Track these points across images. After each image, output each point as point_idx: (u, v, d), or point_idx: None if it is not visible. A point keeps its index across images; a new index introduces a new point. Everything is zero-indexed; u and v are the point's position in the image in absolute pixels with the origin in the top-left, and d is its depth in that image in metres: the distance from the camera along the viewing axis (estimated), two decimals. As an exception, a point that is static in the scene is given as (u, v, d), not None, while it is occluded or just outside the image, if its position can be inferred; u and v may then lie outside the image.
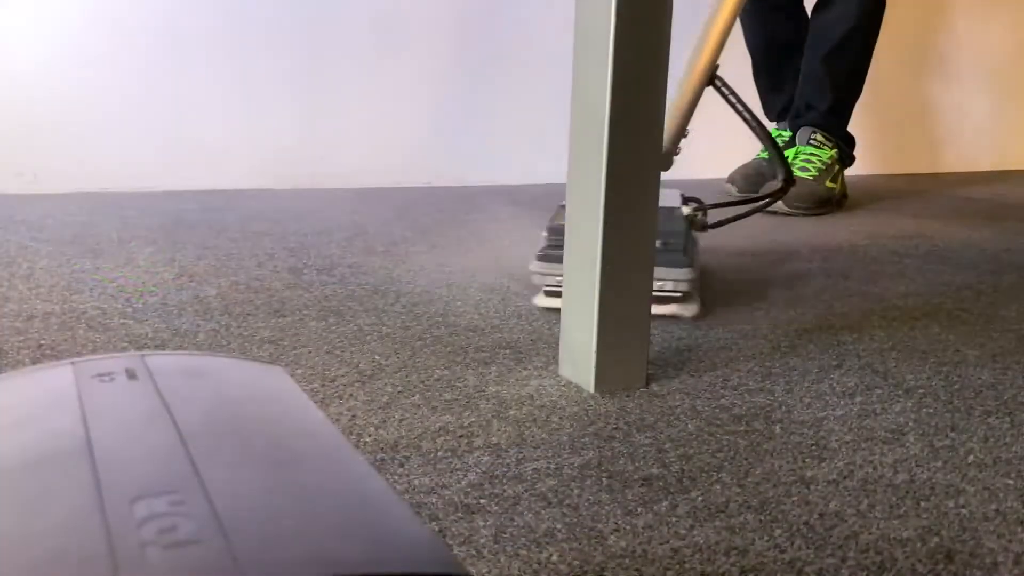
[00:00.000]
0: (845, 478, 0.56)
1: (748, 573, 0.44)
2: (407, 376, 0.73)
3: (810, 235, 1.43)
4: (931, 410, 0.69)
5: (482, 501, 0.53)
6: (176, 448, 0.25)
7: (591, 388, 0.70)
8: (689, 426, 0.64)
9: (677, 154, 1.06)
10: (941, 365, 0.80)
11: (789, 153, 1.77)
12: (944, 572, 0.45)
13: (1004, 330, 0.91)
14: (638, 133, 0.67)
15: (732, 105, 1.05)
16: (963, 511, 0.52)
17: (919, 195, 1.96)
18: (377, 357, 0.78)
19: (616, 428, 0.64)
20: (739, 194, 1.73)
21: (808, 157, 1.73)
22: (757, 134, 1.06)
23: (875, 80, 1.88)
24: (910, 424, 0.66)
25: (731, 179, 1.83)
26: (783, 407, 0.68)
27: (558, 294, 0.79)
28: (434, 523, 0.50)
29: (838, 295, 1.04)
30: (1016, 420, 0.67)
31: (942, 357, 0.82)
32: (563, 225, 0.73)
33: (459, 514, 0.51)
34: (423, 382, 0.72)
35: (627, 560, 0.45)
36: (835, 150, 1.77)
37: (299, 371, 0.74)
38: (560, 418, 0.65)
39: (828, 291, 1.06)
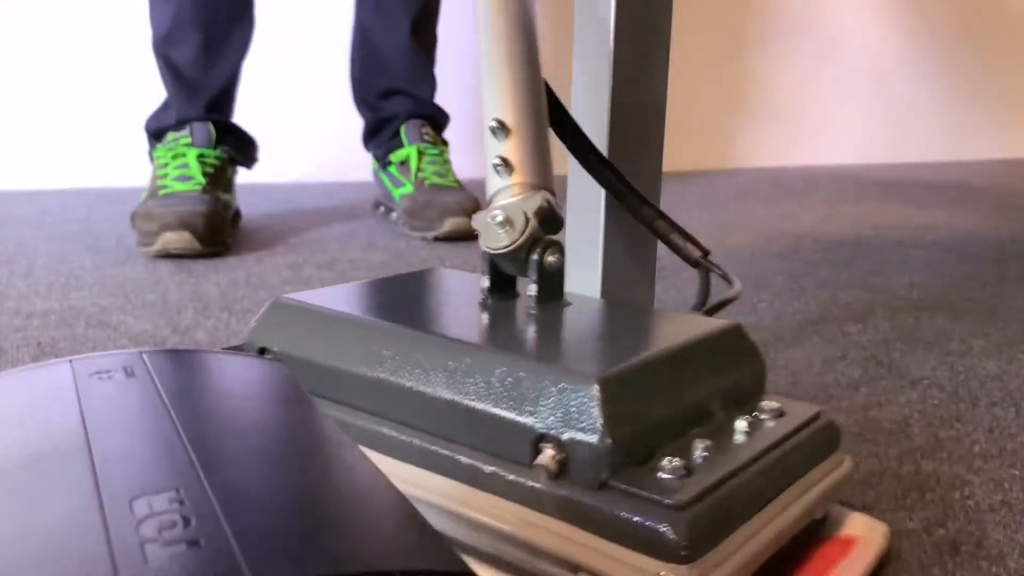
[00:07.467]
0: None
1: (754, 566, 0.44)
2: (409, 370, 0.73)
3: (814, 226, 1.43)
4: (936, 401, 0.68)
5: (485, 495, 0.52)
6: (175, 445, 0.25)
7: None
8: (693, 419, 0.64)
9: None
10: (946, 356, 0.79)
11: (400, 157, 1.38)
12: (950, 563, 0.45)
13: (1010, 320, 0.91)
14: (639, 135, 0.67)
15: None
16: (969, 502, 0.52)
17: (924, 185, 1.95)
18: (379, 352, 0.77)
19: (619, 421, 0.63)
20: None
21: (435, 159, 1.38)
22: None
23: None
24: (915, 415, 0.65)
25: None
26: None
27: None
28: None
29: (842, 286, 1.04)
30: (1022, 410, 0.67)
31: (947, 348, 0.82)
32: None
33: (462, 509, 0.51)
34: (425, 376, 0.72)
35: (632, 554, 0.45)
36: (447, 147, 1.41)
37: (301, 366, 0.74)
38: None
39: (832, 282, 1.05)
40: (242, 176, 1.34)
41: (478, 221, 0.48)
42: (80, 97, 1.68)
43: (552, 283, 0.48)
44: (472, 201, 1.29)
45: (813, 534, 0.44)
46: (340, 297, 0.48)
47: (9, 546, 0.20)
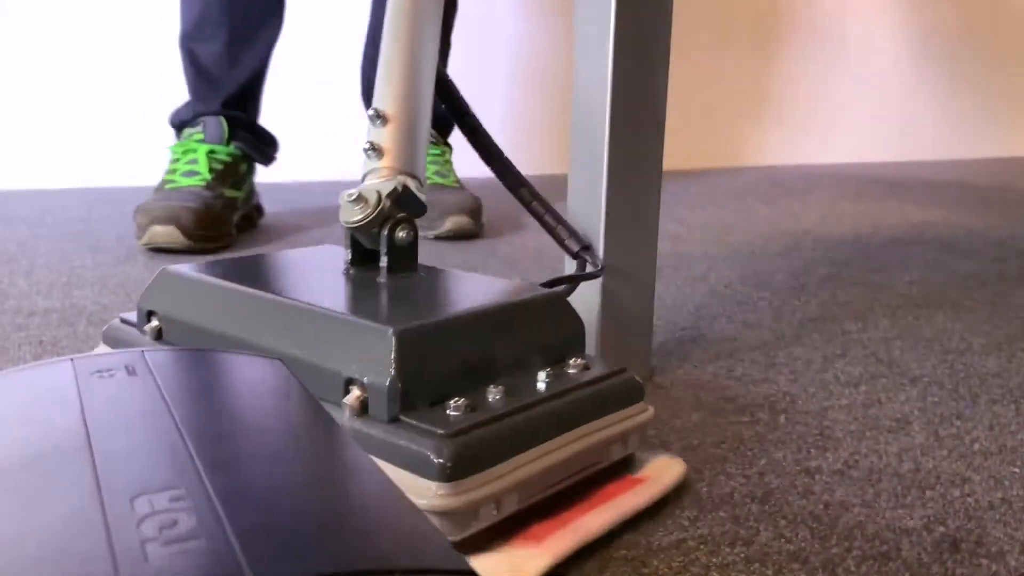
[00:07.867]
0: (850, 468, 0.56)
1: (753, 563, 0.44)
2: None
3: (814, 224, 1.43)
4: (936, 399, 0.68)
5: (486, 494, 0.52)
6: (176, 443, 0.25)
7: (594, 380, 0.68)
8: (693, 417, 0.64)
9: None
10: (946, 353, 0.79)
11: None
12: (950, 561, 0.45)
13: (1010, 318, 0.91)
14: (639, 135, 0.67)
15: None
16: (969, 500, 0.52)
17: (924, 183, 1.95)
18: (379, 351, 0.77)
19: (620, 420, 0.63)
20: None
21: (436, 158, 1.40)
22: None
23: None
24: (915, 413, 0.65)
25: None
26: (787, 397, 0.68)
27: None
28: (438, 516, 0.49)
29: (842, 284, 1.04)
30: (1022, 408, 0.67)
31: (947, 345, 0.82)
32: None
33: (463, 507, 0.51)
34: (426, 375, 0.72)
35: (631, 552, 0.45)
36: (450, 149, 1.42)
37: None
38: (563, 410, 0.65)
39: (832, 280, 1.05)
40: (242, 175, 1.34)
41: (340, 198, 0.52)
42: (80, 97, 1.68)
43: (402, 256, 0.53)
44: (473, 201, 1.29)
45: (615, 473, 0.49)
46: (220, 269, 0.54)
47: (10, 545, 0.20)
